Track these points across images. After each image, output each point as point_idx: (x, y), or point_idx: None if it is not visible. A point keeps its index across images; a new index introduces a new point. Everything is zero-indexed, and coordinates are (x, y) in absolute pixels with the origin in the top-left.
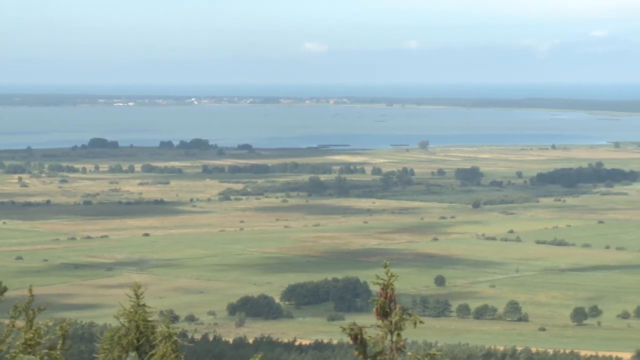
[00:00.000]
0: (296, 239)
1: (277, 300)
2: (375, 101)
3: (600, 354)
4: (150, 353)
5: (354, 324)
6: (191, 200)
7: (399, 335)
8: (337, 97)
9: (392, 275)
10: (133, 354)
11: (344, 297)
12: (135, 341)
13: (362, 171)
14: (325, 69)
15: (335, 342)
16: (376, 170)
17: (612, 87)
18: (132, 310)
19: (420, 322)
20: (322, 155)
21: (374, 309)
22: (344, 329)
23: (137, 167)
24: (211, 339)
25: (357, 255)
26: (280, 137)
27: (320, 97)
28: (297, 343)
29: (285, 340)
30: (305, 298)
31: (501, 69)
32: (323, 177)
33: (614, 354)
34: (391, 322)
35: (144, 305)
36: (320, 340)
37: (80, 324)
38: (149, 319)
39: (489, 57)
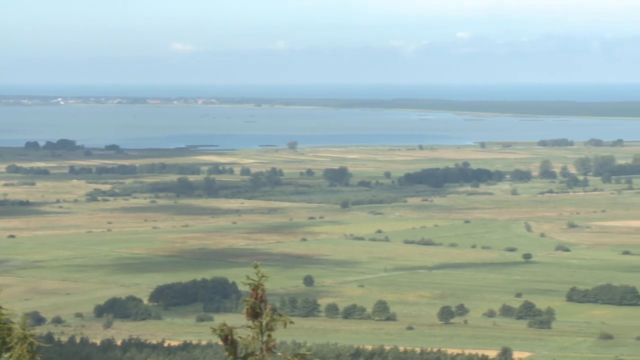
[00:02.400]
0: (164, 240)
1: (145, 301)
2: (244, 101)
3: (467, 352)
4: (6, 356)
5: (225, 324)
6: (58, 201)
7: (269, 335)
8: (205, 98)
9: (262, 276)
10: None
11: (213, 298)
12: None
13: (231, 172)
14: (194, 69)
15: (204, 343)
16: (245, 171)
17: (478, 87)
18: None
19: (291, 322)
20: (190, 155)
21: (245, 310)
22: (214, 330)
23: (2, 167)
24: (78, 341)
25: (226, 255)
26: (148, 138)
27: (189, 98)
28: (165, 344)
29: (154, 342)
30: (174, 299)
31: (369, 70)
32: (192, 178)
33: (480, 352)
34: (262, 323)
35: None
36: (189, 341)
37: None
38: (5, 321)
39: (358, 58)
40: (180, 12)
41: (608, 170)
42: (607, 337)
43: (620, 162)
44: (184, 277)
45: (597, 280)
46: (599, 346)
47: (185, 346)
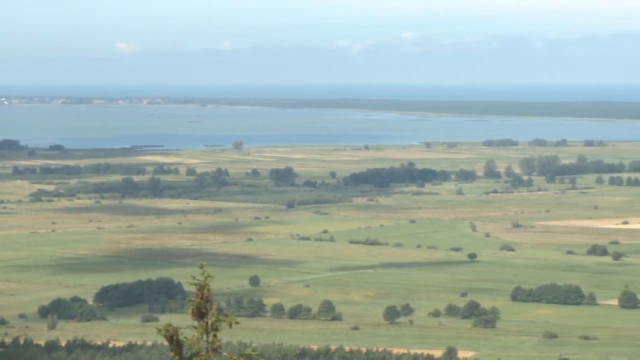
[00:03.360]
0: (109, 240)
1: (90, 302)
2: (189, 101)
3: (412, 351)
4: None
5: (170, 325)
6: (1, 201)
7: (215, 336)
8: (150, 98)
9: (208, 276)
10: None
11: (158, 298)
12: None
13: (176, 172)
14: (138, 69)
15: (149, 343)
16: (190, 171)
17: (423, 88)
18: None
19: (236, 322)
20: (135, 155)
21: (191, 310)
22: (159, 330)
23: None
24: (22, 342)
25: (171, 256)
26: (92, 138)
27: (134, 98)
28: (110, 345)
29: (99, 342)
30: (119, 300)
31: (316, 70)
32: (137, 178)
33: (426, 352)
34: (207, 323)
35: None
36: (134, 342)
37: None
38: None
39: (304, 58)
40: (125, 11)
41: (552, 170)
42: (551, 336)
43: (564, 162)
44: (129, 277)
45: (541, 279)
46: (543, 345)
47: (131, 347)
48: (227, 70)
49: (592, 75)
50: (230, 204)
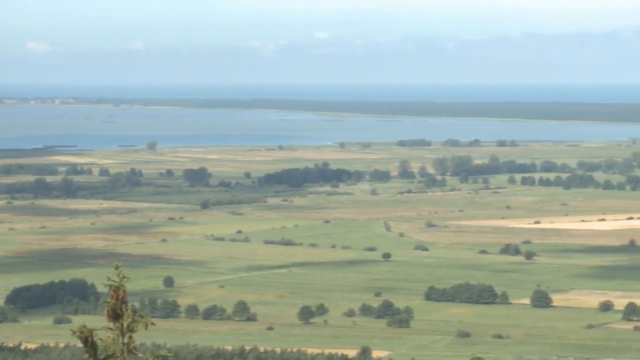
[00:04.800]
0: (21, 242)
1: (1, 303)
2: (102, 102)
3: (327, 351)
4: None
5: (85, 326)
6: None
7: (130, 337)
8: (63, 98)
9: (123, 277)
10: None
11: (72, 299)
12: None
13: (90, 172)
14: (50, 69)
15: (62, 345)
16: (104, 171)
17: (337, 88)
18: None
19: (152, 323)
20: (48, 156)
21: (106, 311)
22: (74, 332)
23: None
24: None
25: (84, 257)
26: (3, 138)
27: (46, 98)
28: (22, 347)
29: (10, 345)
30: (31, 301)
31: (229, 70)
32: (49, 179)
33: (340, 352)
34: (123, 325)
35: None
36: (46, 344)
37: None
38: None
39: (216, 58)
40: (35, 10)
41: (465, 170)
42: (464, 335)
43: (477, 162)
44: (42, 278)
45: (455, 279)
46: (456, 344)
47: (43, 349)
48: (140, 70)
49: (504, 76)
50: (144, 205)
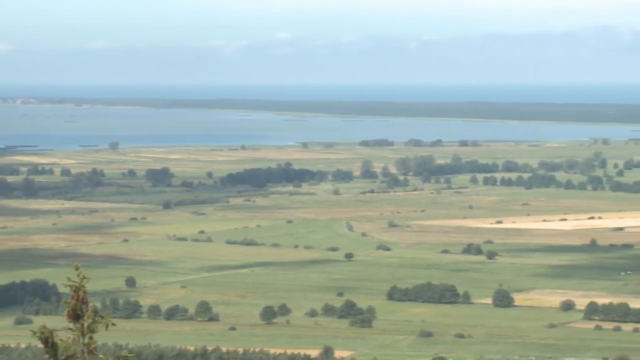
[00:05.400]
0: None
1: None
2: (63, 101)
3: (289, 351)
4: None
5: (45, 327)
6: None
7: (91, 338)
8: (24, 97)
9: (83, 277)
10: None
11: (32, 300)
12: None
13: (51, 172)
14: (11, 69)
15: (23, 346)
16: (65, 171)
17: (299, 88)
18: None
19: (113, 324)
20: (8, 156)
21: (66, 312)
22: (34, 333)
23: None
24: None
25: (45, 257)
26: None
27: (7, 97)
28: None
29: None
30: None
31: (190, 70)
32: (10, 179)
33: (302, 352)
34: (83, 325)
35: None
36: (7, 345)
37: None
38: None
39: (178, 58)
40: None
41: (427, 170)
42: (426, 334)
43: (440, 162)
44: (2, 279)
45: (417, 278)
46: (419, 344)
47: (4, 349)
48: (101, 70)
49: (465, 76)
50: (106, 205)
